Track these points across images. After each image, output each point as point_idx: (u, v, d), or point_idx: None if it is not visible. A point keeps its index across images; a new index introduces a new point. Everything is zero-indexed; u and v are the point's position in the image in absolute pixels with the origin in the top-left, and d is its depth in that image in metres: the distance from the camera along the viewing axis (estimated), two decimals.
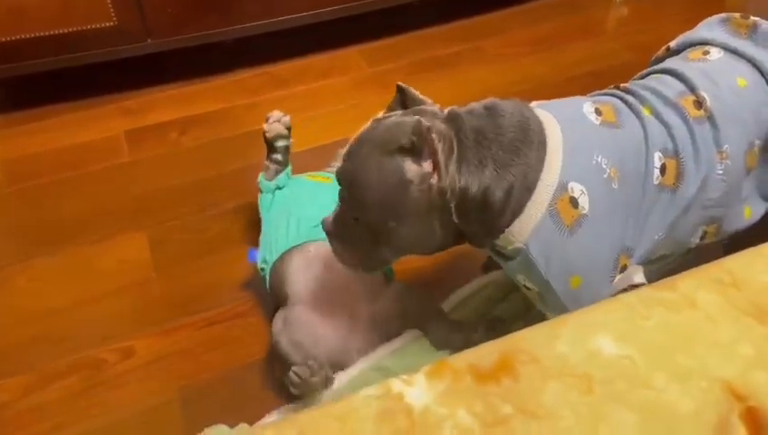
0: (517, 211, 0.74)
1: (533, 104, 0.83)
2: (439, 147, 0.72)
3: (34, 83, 1.65)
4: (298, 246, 1.03)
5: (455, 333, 0.97)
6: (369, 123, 0.81)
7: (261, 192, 1.17)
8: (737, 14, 0.88)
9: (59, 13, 1.47)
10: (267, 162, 1.17)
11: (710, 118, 0.80)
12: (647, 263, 0.81)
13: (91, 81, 1.67)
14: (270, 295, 1.06)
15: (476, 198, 0.74)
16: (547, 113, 0.78)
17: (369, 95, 1.65)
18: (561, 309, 0.79)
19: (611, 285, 0.78)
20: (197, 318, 1.12)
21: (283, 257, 1.02)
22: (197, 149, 1.50)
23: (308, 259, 1.01)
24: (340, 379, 0.95)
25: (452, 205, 0.75)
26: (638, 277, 0.81)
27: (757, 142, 0.82)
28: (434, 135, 0.72)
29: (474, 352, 0.40)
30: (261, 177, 1.17)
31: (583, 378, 0.37)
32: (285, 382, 0.91)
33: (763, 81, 0.83)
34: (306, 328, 0.96)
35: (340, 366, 0.97)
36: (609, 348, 0.39)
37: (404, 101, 0.83)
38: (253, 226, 1.28)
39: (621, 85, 0.87)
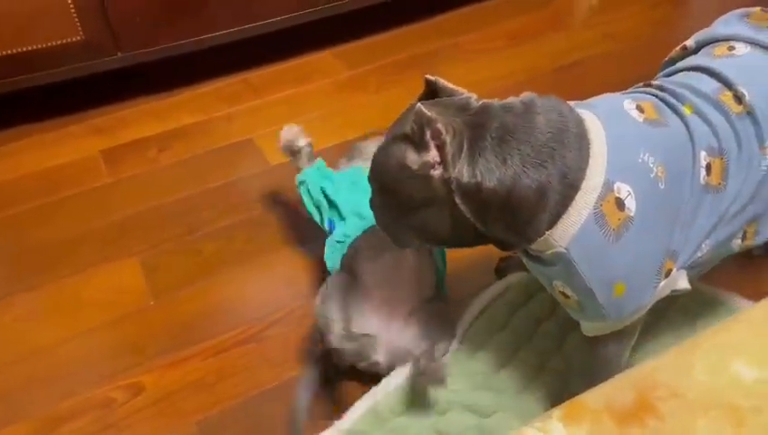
0: (557, 214, 0.72)
1: (571, 103, 0.81)
2: (448, 138, 0.71)
3: None
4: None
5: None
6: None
7: (301, 184, 1.14)
8: (757, 9, 0.88)
9: (19, 30, 1.38)
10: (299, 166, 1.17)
11: (750, 113, 0.78)
12: (688, 268, 0.79)
13: (56, 99, 1.57)
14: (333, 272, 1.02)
15: (497, 196, 0.72)
16: (587, 111, 0.76)
17: (350, 98, 1.61)
18: (601, 317, 0.77)
19: (655, 291, 0.77)
20: (205, 346, 1.07)
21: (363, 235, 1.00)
22: (179, 166, 1.43)
23: (379, 242, 0.95)
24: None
25: (457, 198, 0.73)
26: (683, 283, 0.79)
27: None
28: (440, 125, 0.70)
29: (606, 388, 0.37)
30: (300, 174, 1.16)
31: (731, 409, 0.35)
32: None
33: None
34: (360, 298, 0.96)
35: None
36: (747, 373, 0.37)
37: (435, 92, 0.80)
38: (250, 243, 1.24)
39: (653, 83, 0.85)
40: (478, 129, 0.73)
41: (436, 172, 0.73)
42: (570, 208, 0.71)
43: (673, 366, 0.38)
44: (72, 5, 1.39)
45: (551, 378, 0.93)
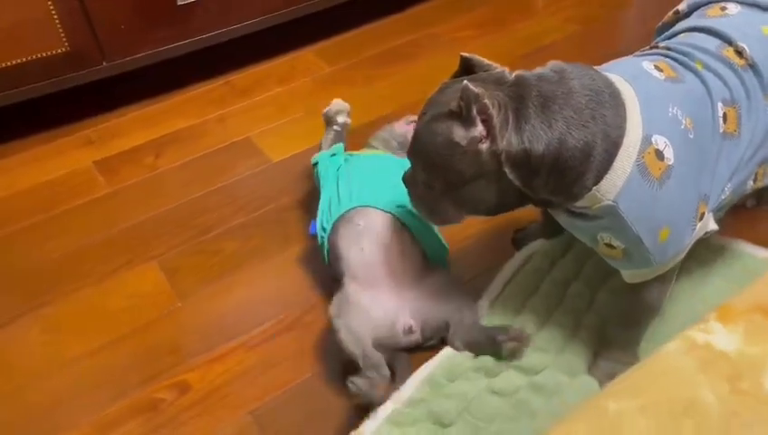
0: (603, 170, 0.77)
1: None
2: (494, 112, 0.75)
3: None
4: (348, 215, 1.04)
5: (480, 334, 0.98)
6: (437, 89, 0.85)
7: (316, 166, 1.19)
8: None
9: (3, 44, 1.35)
10: (324, 139, 1.24)
11: (752, 66, 0.86)
12: (714, 211, 0.86)
13: (43, 112, 1.54)
14: (328, 269, 1.06)
15: (545, 160, 0.76)
16: (613, 74, 0.82)
17: (336, 94, 1.61)
18: (647, 263, 0.83)
19: (693, 233, 0.83)
20: (242, 340, 1.07)
21: (336, 227, 1.04)
22: (180, 170, 1.43)
23: (358, 233, 1.02)
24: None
25: (507, 169, 0.77)
26: (712, 224, 0.87)
27: None
28: (486, 100, 0.74)
29: (750, 292, 0.42)
30: (316, 156, 1.21)
31: None
32: (347, 384, 0.90)
33: None
34: (360, 313, 0.97)
35: (386, 347, 0.97)
36: None
37: (469, 67, 0.84)
38: (268, 239, 1.25)
39: (660, 44, 0.92)
40: (519, 99, 0.77)
41: (485, 146, 0.77)
42: (615, 163, 0.77)
43: None
44: (56, 17, 1.37)
45: (587, 334, 0.99)
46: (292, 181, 1.36)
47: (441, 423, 0.89)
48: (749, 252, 1.07)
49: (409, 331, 0.99)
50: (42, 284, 1.19)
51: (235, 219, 1.29)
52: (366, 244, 1.02)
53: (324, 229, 1.07)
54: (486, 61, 0.84)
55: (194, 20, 1.55)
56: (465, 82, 0.75)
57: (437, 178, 0.84)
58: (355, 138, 1.31)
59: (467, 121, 0.76)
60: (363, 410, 0.91)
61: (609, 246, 0.83)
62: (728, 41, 0.87)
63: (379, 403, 0.90)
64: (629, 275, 0.87)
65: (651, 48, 0.93)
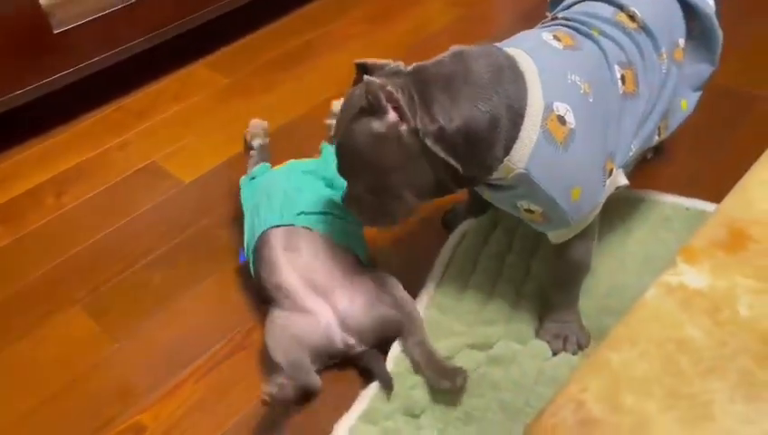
0: (511, 140, 0.81)
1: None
2: (400, 96, 0.80)
3: None
4: (265, 237, 1.02)
5: (422, 357, 0.95)
6: (342, 99, 0.90)
7: (241, 190, 1.16)
8: None
9: None
10: (248, 163, 1.22)
11: (644, 28, 0.93)
12: (624, 166, 0.92)
13: None
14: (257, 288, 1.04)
15: (459, 133, 0.81)
16: (513, 48, 0.86)
17: (238, 105, 1.60)
18: (565, 223, 0.87)
19: (604, 189, 0.89)
20: (190, 371, 1.03)
21: (258, 245, 1.02)
22: (87, 206, 1.35)
23: (277, 256, 1.00)
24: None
25: (429, 142, 0.81)
26: (622, 179, 0.93)
27: (680, 41, 0.98)
28: (389, 87, 0.79)
29: (701, 235, 0.46)
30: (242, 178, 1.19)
31: None
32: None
33: None
34: (289, 329, 0.97)
35: (328, 357, 0.98)
36: None
37: (366, 72, 0.87)
38: (196, 262, 1.21)
39: (559, 15, 0.97)
40: (421, 83, 0.82)
41: (403, 128, 0.81)
42: (521, 133, 0.81)
43: (736, 205, 0.48)
44: None
45: (529, 301, 1.03)
46: (210, 200, 1.33)
47: (412, 414, 0.90)
48: (658, 199, 1.16)
49: (351, 347, 0.98)
50: None
51: (157, 248, 1.24)
52: (285, 267, 1.00)
53: (248, 248, 1.06)
54: (380, 61, 0.89)
55: (75, 47, 1.47)
56: (367, 78, 0.80)
57: (376, 176, 0.86)
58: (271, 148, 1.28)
59: (380, 111, 0.81)
60: (330, 416, 0.91)
61: (529, 211, 0.88)
62: (620, 6, 0.94)
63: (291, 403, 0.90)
64: (554, 235, 0.92)
65: (552, 19, 0.97)
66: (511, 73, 0.82)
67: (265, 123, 1.25)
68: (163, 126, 1.55)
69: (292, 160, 1.18)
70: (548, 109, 0.81)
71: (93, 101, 1.60)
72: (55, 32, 1.43)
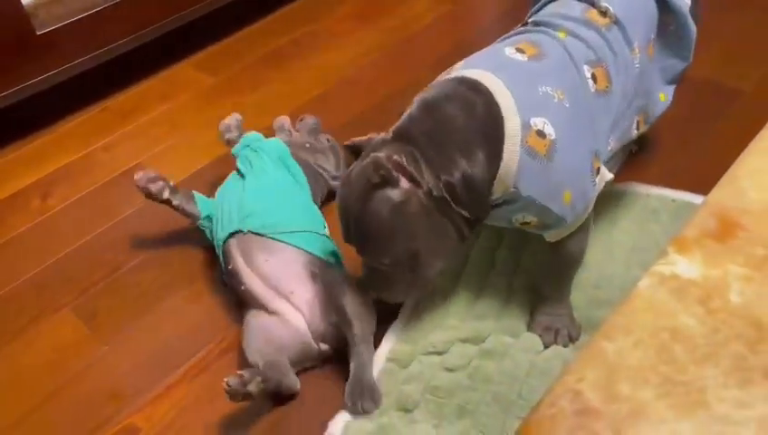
0: (497, 165, 0.82)
1: (458, 66, 0.90)
2: (404, 161, 0.80)
3: None
4: (227, 246, 1.06)
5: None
6: (339, 191, 0.89)
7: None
8: None
9: None
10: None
11: (617, 23, 0.92)
12: (607, 161, 0.93)
13: None
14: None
15: (462, 183, 0.81)
16: (478, 70, 0.85)
17: (224, 106, 1.58)
18: (562, 224, 0.88)
19: (594, 187, 0.90)
20: (185, 369, 1.03)
21: (226, 258, 1.06)
22: (73, 208, 1.34)
23: (241, 267, 1.03)
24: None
25: (442, 196, 0.82)
26: (607, 175, 0.93)
27: (652, 36, 0.98)
28: (395, 157, 0.80)
29: (691, 224, 0.46)
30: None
31: None
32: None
33: None
34: (263, 334, 0.98)
35: (304, 357, 0.98)
36: None
37: (355, 151, 0.91)
38: (187, 262, 1.20)
39: (529, 20, 0.97)
40: (410, 146, 0.83)
41: (420, 191, 0.82)
42: (503, 156, 0.82)
43: (726, 195, 0.48)
44: None
45: (520, 294, 1.04)
46: None
47: (405, 409, 0.91)
48: (643, 192, 1.17)
49: (324, 351, 0.99)
50: None
51: (147, 249, 1.24)
52: (246, 273, 1.02)
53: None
54: (364, 137, 0.91)
55: (59, 48, 1.45)
56: (373, 155, 0.81)
57: (402, 247, 0.85)
58: None
59: (392, 182, 0.81)
60: (324, 413, 0.92)
61: (525, 223, 0.89)
62: (592, 3, 0.94)
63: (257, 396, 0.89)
64: (550, 235, 0.92)
65: (523, 24, 0.97)
66: (482, 105, 0.82)
67: (239, 116, 1.29)
68: (149, 127, 1.54)
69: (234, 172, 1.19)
70: (525, 127, 0.82)
71: (78, 102, 1.59)
72: (38, 33, 1.42)
